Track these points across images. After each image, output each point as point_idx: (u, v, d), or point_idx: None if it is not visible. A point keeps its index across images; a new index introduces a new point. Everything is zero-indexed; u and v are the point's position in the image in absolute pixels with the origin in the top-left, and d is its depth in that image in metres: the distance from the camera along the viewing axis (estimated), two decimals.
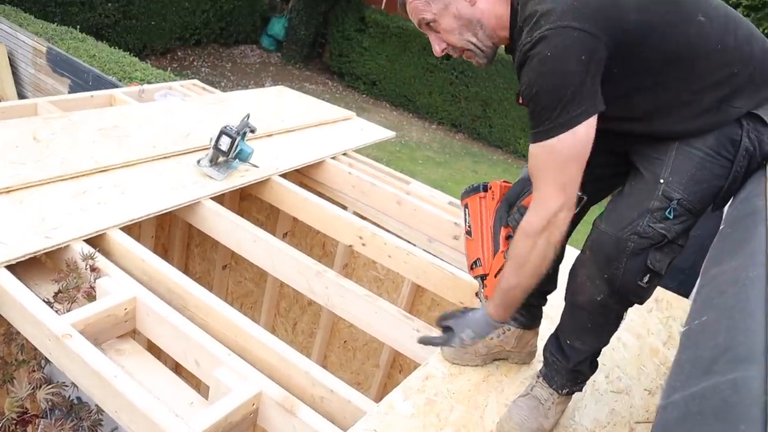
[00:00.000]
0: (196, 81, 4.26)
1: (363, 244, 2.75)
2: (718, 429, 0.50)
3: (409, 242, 3.16)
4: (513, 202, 1.83)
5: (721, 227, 1.27)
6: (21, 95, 7.03)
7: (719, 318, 0.69)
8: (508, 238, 1.75)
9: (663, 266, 1.51)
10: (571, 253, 1.79)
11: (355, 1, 14.11)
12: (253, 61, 14.44)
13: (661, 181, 1.50)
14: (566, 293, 1.72)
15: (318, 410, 1.72)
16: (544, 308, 2.02)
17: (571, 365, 1.75)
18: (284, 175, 3.00)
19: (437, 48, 1.70)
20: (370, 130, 3.75)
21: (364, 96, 13.94)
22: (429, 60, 12.93)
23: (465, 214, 1.90)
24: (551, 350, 1.81)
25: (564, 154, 1.47)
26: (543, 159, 1.50)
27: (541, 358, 1.88)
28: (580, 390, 1.84)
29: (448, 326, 1.82)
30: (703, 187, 1.49)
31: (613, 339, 2.29)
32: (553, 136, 1.46)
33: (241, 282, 4.10)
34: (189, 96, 3.89)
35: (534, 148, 1.51)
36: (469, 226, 1.88)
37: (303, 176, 3.33)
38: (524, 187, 1.80)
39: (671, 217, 1.48)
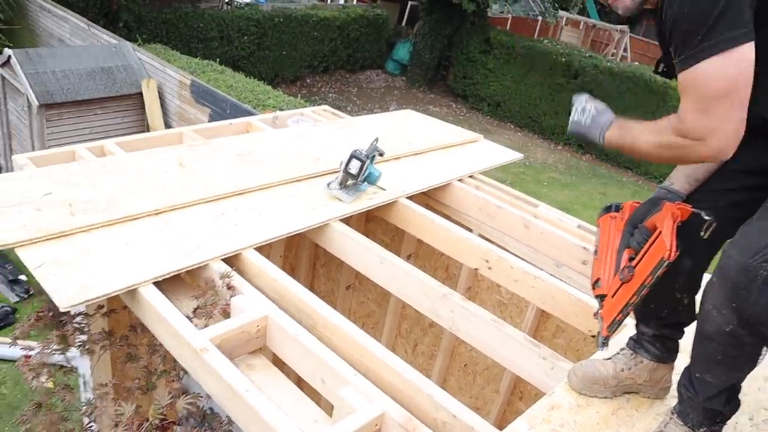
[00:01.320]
0: (326, 106, 4.41)
1: (489, 268, 2.70)
2: None
3: (535, 266, 3.08)
4: (638, 223, 1.73)
5: None
6: (167, 125, 7.64)
7: None
8: (631, 260, 1.67)
9: None
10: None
11: (480, 24, 14.14)
12: (378, 86, 14.82)
13: None
14: (697, 322, 1.61)
15: None
16: (681, 342, 1.89)
17: (701, 399, 1.62)
18: (410, 198, 3.03)
19: None
20: (497, 153, 3.70)
21: (488, 117, 13.88)
22: (555, 80, 12.68)
23: (595, 234, 1.90)
24: (684, 383, 1.69)
25: (712, 80, 1.33)
26: (698, 82, 1.36)
27: (676, 394, 1.75)
28: (719, 430, 1.69)
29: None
30: None
31: (759, 377, 2.10)
32: (697, 62, 1.33)
33: (364, 302, 4.17)
34: (319, 121, 4.04)
35: (679, 77, 1.40)
36: (597, 246, 1.85)
37: (429, 198, 3.34)
38: (651, 206, 1.70)
39: None
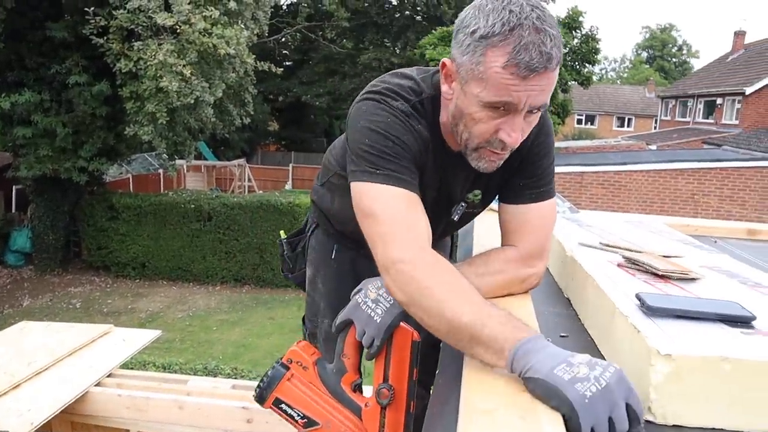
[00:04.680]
0: None
1: None
2: None
3: None
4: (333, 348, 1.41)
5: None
6: None
7: None
8: (355, 389, 1.38)
9: None
10: None
11: (100, 191, 13.70)
12: (3, 284, 13.18)
13: None
14: None
15: None
16: None
17: None
18: (47, 425, 2.70)
19: (518, 138, 1.23)
20: (133, 338, 3.54)
21: (137, 281, 13.32)
22: (192, 226, 12.90)
23: (286, 411, 1.41)
24: None
25: (555, 214, 1.50)
26: (552, 215, 1.46)
27: None
28: None
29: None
30: None
31: None
32: (550, 197, 1.46)
33: None
34: None
35: (548, 203, 1.45)
36: (305, 417, 1.38)
37: (72, 415, 3.02)
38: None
39: None
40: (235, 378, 5.45)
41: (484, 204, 1.57)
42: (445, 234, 1.73)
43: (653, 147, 22.68)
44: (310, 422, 1.37)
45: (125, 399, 2.93)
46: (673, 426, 0.90)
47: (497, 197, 1.51)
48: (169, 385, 3.12)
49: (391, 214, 1.22)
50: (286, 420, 1.40)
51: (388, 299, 1.26)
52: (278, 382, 1.40)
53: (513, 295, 1.39)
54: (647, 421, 0.91)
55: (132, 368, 3.47)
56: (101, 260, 13.51)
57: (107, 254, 13.38)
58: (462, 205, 1.52)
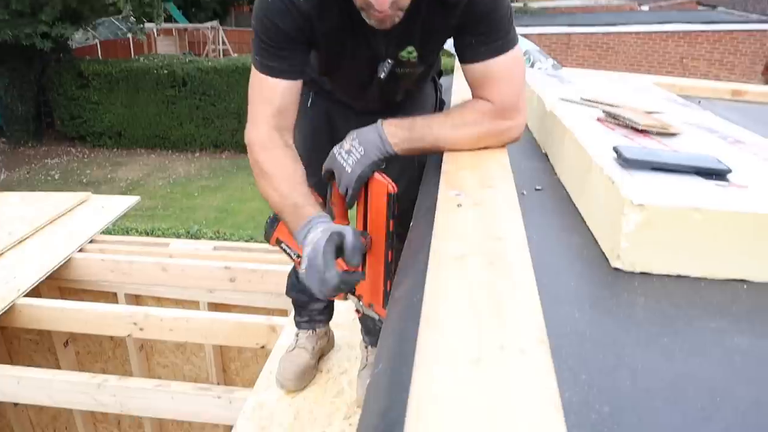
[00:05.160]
0: None
1: (141, 329, 2.62)
2: None
3: (191, 301, 3.08)
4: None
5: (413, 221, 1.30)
6: None
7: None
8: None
9: None
10: None
11: (67, 59, 13.16)
12: None
13: None
14: None
15: None
16: None
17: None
18: (35, 290, 2.75)
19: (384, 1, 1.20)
20: (112, 205, 3.53)
21: (114, 150, 13.15)
22: (166, 93, 12.55)
23: (285, 250, 1.56)
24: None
25: (522, 63, 1.43)
26: (517, 65, 1.39)
27: None
28: None
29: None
30: None
31: None
32: (512, 47, 1.38)
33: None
34: None
35: (490, 63, 1.36)
36: (299, 256, 1.41)
37: (59, 281, 3.07)
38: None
39: None
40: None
41: (424, 62, 1.52)
42: (390, 94, 1.63)
43: (645, 8, 21.92)
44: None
45: (109, 263, 2.98)
46: (641, 273, 0.92)
47: (457, 59, 1.45)
48: (150, 248, 3.16)
49: (252, 101, 1.39)
50: (287, 256, 1.57)
51: (359, 150, 1.32)
52: (278, 224, 1.54)
53: (490, 148, 1.36)
54: (615, 269, 0.92)
55: (115, 235, 3.49)
56: (75, 130, 13.23)
57: (81, 124, 13.08)
58: (389, 62, 1.47)
